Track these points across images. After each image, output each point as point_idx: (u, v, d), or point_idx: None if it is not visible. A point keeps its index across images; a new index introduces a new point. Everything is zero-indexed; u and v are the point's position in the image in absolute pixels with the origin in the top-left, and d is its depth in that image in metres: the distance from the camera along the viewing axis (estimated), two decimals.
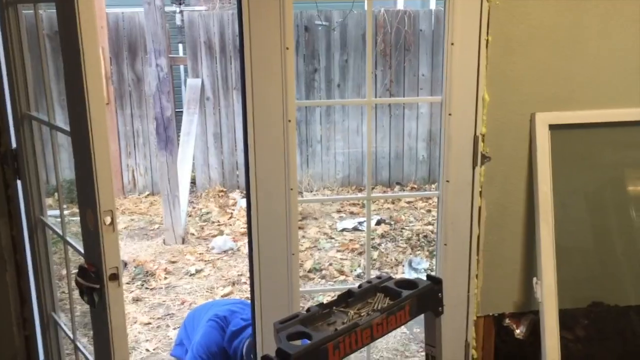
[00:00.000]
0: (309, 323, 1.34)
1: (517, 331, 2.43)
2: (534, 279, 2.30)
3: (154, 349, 3.98)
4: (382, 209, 6.45)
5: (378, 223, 5.98)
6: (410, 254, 5.29)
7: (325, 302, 1.42)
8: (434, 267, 5.25)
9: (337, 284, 4.85)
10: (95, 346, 1.86)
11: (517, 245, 2.39)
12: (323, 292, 4.71)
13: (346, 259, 5.25)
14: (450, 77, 2.23)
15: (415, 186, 7.11)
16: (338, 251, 5.43)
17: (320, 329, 1.33)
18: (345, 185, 7.21)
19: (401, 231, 5.75)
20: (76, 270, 1.76)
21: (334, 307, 1.41)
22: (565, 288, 2.31)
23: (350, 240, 5.64)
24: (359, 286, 1.48)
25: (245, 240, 5.74)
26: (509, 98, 2.27)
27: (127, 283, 4.85)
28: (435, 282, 1.48)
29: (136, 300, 4.60)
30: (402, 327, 4.33)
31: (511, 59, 2.24)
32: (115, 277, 1.70)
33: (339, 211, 6.44)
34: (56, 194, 2.15)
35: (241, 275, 5.00)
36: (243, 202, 6.72)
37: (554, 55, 2.26)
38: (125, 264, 5.05)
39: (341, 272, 5.00)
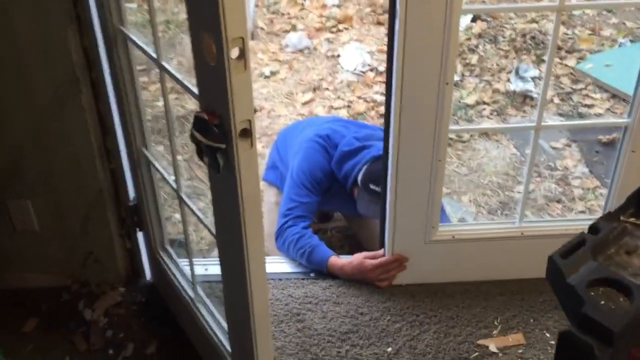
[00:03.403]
0: (600, 251, 0.83)
1: None
2: None
3: None
4: (475, 1, 5.59)
5: (473, 20, 5.19)
6: (514, 58, 4.60)
7: None
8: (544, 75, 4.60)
9: None
10: (217, 216, 1.41)
11: None
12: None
13: None
14: None
15: None
16: None
17: (619, 263, 0.82)
18: None
19: (502, 29, 4.98)
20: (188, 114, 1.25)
21: (622, 217, 0.89)
22: None
23: None
24: None
25: (322, 37, 5.09)
26: None
27: None
28: None
29: None
30: (513, 148, 3.85)
31: None
32: (247, 133, 1.19)
33: None
34: None
35: (322, 79, 4.45)
36: None
37: None
38: None
39: None
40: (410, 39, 1.70)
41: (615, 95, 4.15)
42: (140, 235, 2.12)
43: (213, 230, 1.47)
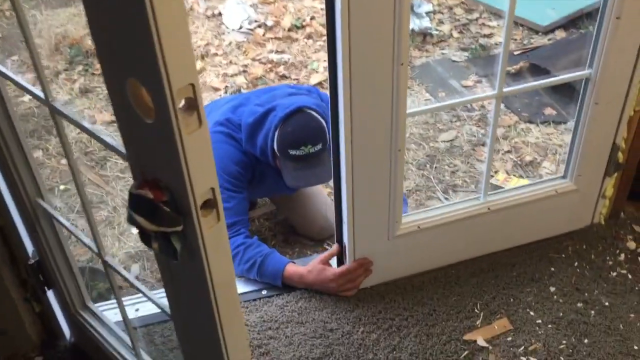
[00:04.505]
0: None
1: None
2: None
3: None
4: None
5: None
6: None
7: None
8: (437, 9, 4.42)
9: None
10: (176, 309, 1.08)
11: None
12: None
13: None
14: None
15: None
16: None
17: None
18: None
19: None
20: None
21: None
22: None
23: None
24: None
25: None
26: None
27: (66, 70, 3.81)
28: None
29: (85, 91, 3.63)
30: (425, 92, 3.67)
31: None
32: (211, 203, 0.86)
33: None
34: None
35: (208, 44, 4.01)
36: None
37: None
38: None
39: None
40: (355, 19, 1.40)
41: None
42: (51, 293, 1.73)
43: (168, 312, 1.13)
